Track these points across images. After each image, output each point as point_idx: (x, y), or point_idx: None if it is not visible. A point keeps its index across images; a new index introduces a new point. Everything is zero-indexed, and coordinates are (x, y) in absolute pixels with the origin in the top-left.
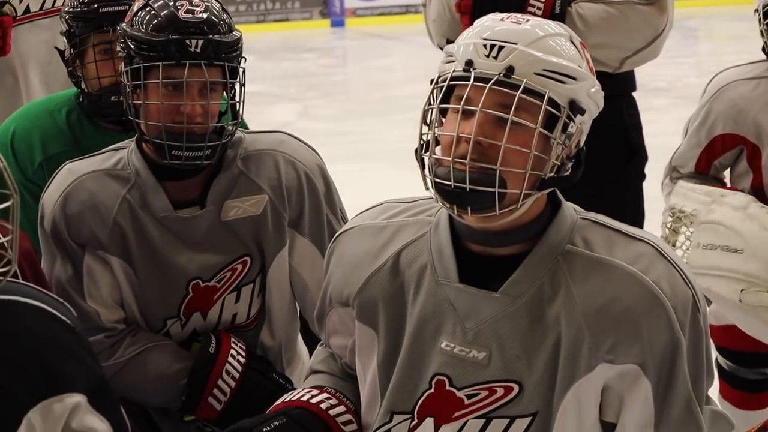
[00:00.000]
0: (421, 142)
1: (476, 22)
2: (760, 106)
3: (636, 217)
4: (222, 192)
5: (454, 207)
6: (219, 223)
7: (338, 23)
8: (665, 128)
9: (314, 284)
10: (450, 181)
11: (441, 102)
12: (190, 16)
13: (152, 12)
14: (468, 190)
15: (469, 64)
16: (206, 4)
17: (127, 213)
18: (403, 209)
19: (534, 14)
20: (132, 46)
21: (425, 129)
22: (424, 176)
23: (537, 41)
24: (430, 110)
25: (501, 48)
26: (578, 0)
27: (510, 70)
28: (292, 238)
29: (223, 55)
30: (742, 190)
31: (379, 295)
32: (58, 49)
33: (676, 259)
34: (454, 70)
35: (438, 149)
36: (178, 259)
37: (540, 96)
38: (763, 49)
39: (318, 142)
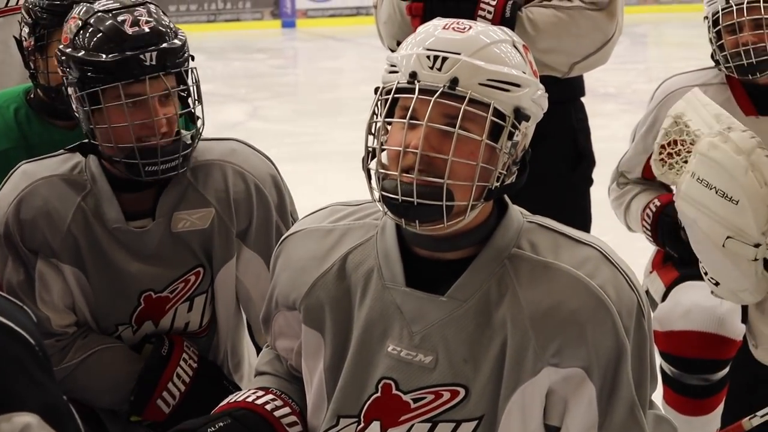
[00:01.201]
0: (367, 157)
1: (419, 29)
2: None
3: (583, 222)
4: (171, 204)
5: (403, 220)
6: (170, 235)
7: (289, 24)
8: (614, 133)
9: (258, 295)
10: (397, 194)
11: (386, 111)
12: (137, 29)
13: (96, 32)
14: (416, 203)
15: (413, 76)
16: (146, 12)
17: (81, 221)
18: (349, 212)
19: (484, 18)
20: (84, 70)
21: (371, 139)
22: (371, 188)
23: (480, 50)
24: (375, 122)
25: (445, 59)
26: (528, 4)
27: (454, 81)
28: (238, 249)
29: (177, 61)
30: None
31: (326, 298)
32: (17, 39)
33: (622, 264)
34: (398, 82)
35: (384, 156)
36: (129, 270)
37: (485, 106)
38: (712, 56)
39: (267, 143)
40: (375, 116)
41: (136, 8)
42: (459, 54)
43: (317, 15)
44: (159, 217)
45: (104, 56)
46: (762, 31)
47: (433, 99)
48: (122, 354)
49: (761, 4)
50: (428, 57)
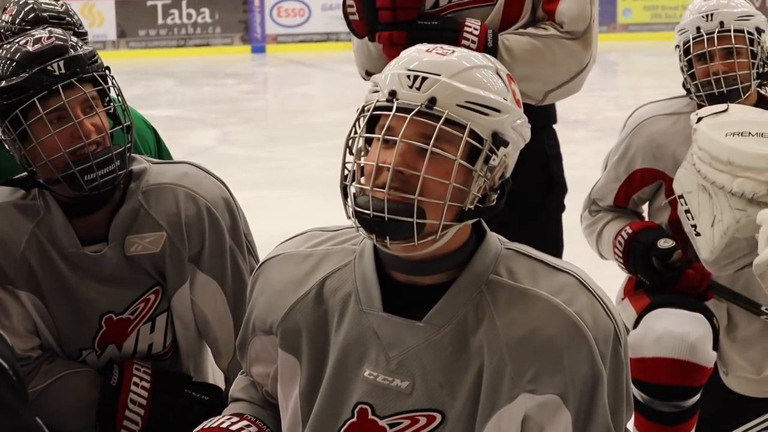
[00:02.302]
0: (345, 171)
1: (403, 53)
2: (679, 142)
3: (555, 248)
4: (123, 227)
5: (374, 236)
6: (124, 258)
7: (259, 49)
8: (583, 161)
9: (215, 319)
10: (369, 210)
11: (366, 130)
12: (39, 46)
13: (4, 61)
14: (387, 219)
15: (393, 94)
16: (48, 32)
17: (35, 248)
18: (327, 238)
19: (468, 48)
20: (2, 100)
21: (348, 158)
22: (345, 205)
23: (461, 73)
24: (353, 139)
25: (424, 79)
26: (504, 32)
27: (432, 101)
28: (192, 273)
29: (87, 67)
30: (660, 224)
31: (303, 323)
32: None
33: (599, 291)
34: (378, 100)
35: (363, 179)
36: (88, 293)
37: (461, 127)
38: (684, 85)
39: (237, 168)
40: (353, 133)
41: (37, 31)
42: (439, 75)
43: (287, 41)
44: (112, 241)
45: (15, 80)
46: (732, 60)
47: (409, 117)
48: (87, 379)
49: (732, 33)
50: (408, 76)
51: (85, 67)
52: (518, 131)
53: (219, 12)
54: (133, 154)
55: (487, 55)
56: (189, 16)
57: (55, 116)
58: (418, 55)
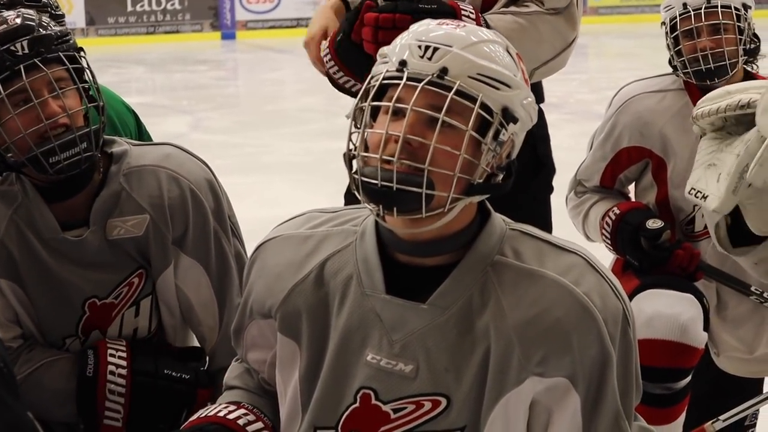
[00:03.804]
0: (350, 144)
1: (412, 27)
2: (666, 119)
3: (544, 230)
4: (104, 211)
5: (380, 207)
6: (106, 242)
7: (229, 36)
8: (558, 143)
9: (199, 303)
10: (377, 179)
11: (373, 101)
12: (6, 27)
13: None
14: (395, 189)
15: (403, 64)
16: (16, 13)
17: (15, 234)
18: (327, 219)
19: None
20: None
21: (354, 129)
22: (351, 177)
23: (472, 45)
24: (360, 110)
25: (436, 49)
26: (487, 13)
27: (444, 71)
28: (176, 257)
29: (54, 47)
30: (647, 204)
31: (303, 306)
32: None
33: (606, 272)
34: (387, 71)
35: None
36: (70, 278)
37: (473, 99)
38: (670, 62)
39: (211, 155)
40: (360, 104)
41: (5, 12)
42: (450, 46)
43: (257, 27)
44: (93, 225)
45: None
46: (720, 36)
47: (420, 86)
48: (68, 367)
49: (719, 9)
50: (419, 47)
51: (51, 47)
52: (527, 110)
53: None
54: (113, 137)
55: (496, 32)
56: (158, 3)
57: (22, 98)
58: (427, 28)
